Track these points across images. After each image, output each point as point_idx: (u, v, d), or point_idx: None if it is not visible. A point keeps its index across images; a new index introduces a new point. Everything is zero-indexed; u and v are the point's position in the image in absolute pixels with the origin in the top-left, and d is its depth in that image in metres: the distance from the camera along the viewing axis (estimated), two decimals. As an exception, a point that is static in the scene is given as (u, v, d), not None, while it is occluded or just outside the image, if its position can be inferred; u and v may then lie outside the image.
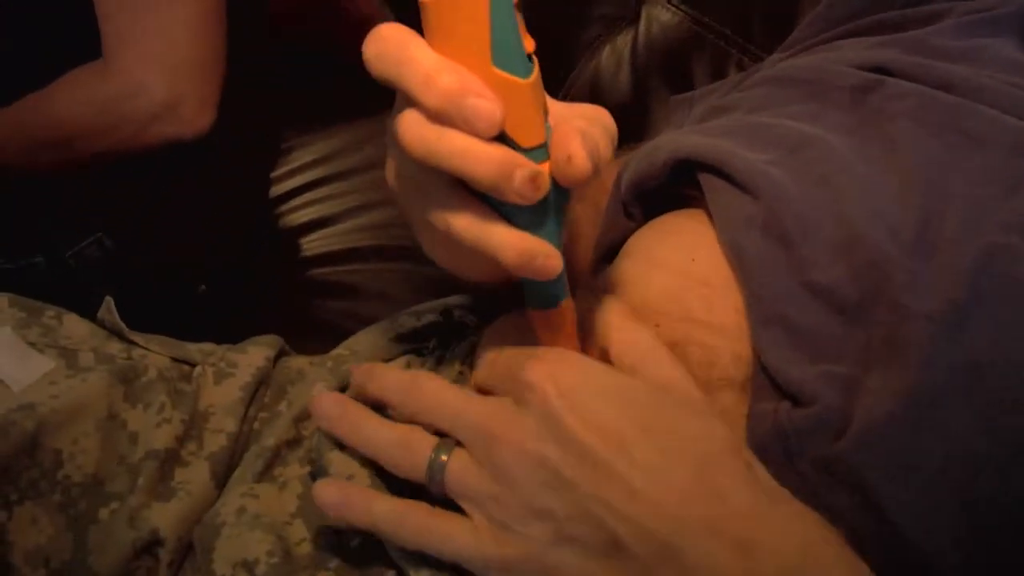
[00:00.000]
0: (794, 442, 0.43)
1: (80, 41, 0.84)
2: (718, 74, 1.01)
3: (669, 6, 1.08)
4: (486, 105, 0.36)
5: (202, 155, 0.87)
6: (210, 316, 0.94)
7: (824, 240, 0.48)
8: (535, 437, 0.41)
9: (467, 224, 0.40)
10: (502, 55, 0.39)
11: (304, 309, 0.99)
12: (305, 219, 1.14)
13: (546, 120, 0.43)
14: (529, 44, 0.41)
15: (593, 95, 1.11)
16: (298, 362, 0.65)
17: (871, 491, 0.41)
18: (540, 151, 0.42)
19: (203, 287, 0.97)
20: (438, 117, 0.37)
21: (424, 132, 0.38)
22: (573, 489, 0.40)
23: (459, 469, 0.43)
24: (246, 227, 1.03)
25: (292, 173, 1.20)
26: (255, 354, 0.62)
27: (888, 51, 0.61)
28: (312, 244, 1.10)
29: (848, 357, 0.45)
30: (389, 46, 0.38)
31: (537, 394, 0.41)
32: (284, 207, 1.17)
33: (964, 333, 0.42)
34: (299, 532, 0.48)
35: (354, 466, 0.47)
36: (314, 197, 1.19)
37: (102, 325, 0.61)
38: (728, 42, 1.02)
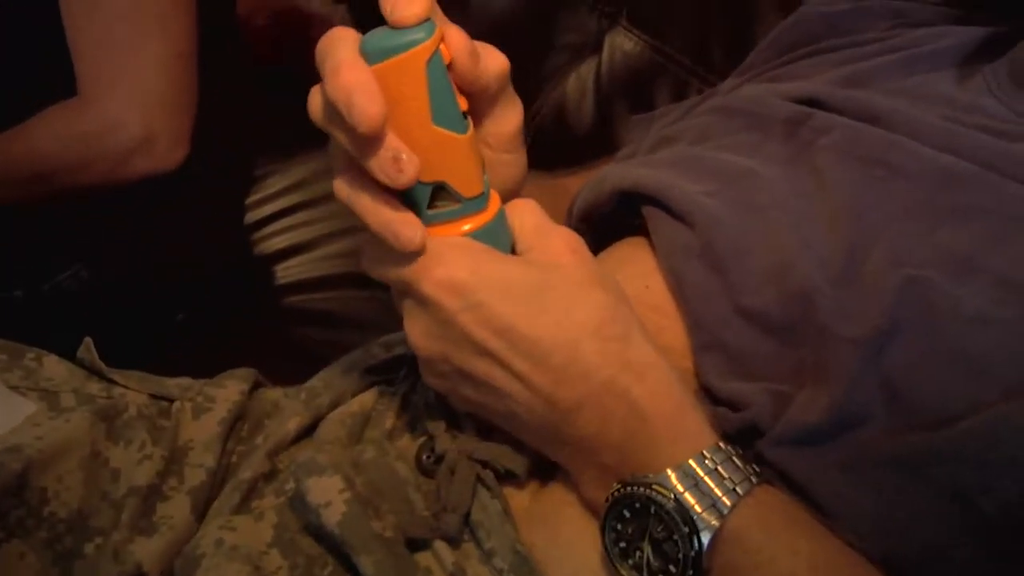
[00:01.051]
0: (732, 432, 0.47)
1: (54, 78, 0.86)
2: (679, 99, 1.04)
3: (631, 35, 1.12)
4: (362, 103, 0.42)
5: (176, 185, 0.90)
6: (188, 345, 0.96)
7: (755, 267, 0.51)
8: (432, 336, 0.48)
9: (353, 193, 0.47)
10: (440, 115, 0.45)
11: (280, 336, 1.02)
12: (280, 246, 1.16)
13: (484, 173, 0.47)
14: (463, 104, 0.47)
15: (559, 122, 1.14)
16: (273, 394, 0.68)
17: (794, 480, 0.45)
18: (479, 199, 0.47)
19: (180, 316, 0.99)
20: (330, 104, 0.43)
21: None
22: (471, 378, 0.48)
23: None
24: (222, 255, 1.05)
25: (266, 200, 1.22)
26: (231, 388, 0.64)
27: (822, 84, 0.64)
28: (287, 271, 1.12)
29: (782, 376, 0.48)
30: (324, 41, 0.44)
31: (431, 302, 0.47)
32: (258, 234, 1.19)
33: (884, 357, 0.46)
34: (275, 561, 0.51)
35: (332, 493, 0.50)
36: (288, 224, 1.21)
37: (82, 364, 0.64)
38: (687, 69, 1.05)
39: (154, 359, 0.72)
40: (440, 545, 0.49)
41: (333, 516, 0.49)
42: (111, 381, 0.63)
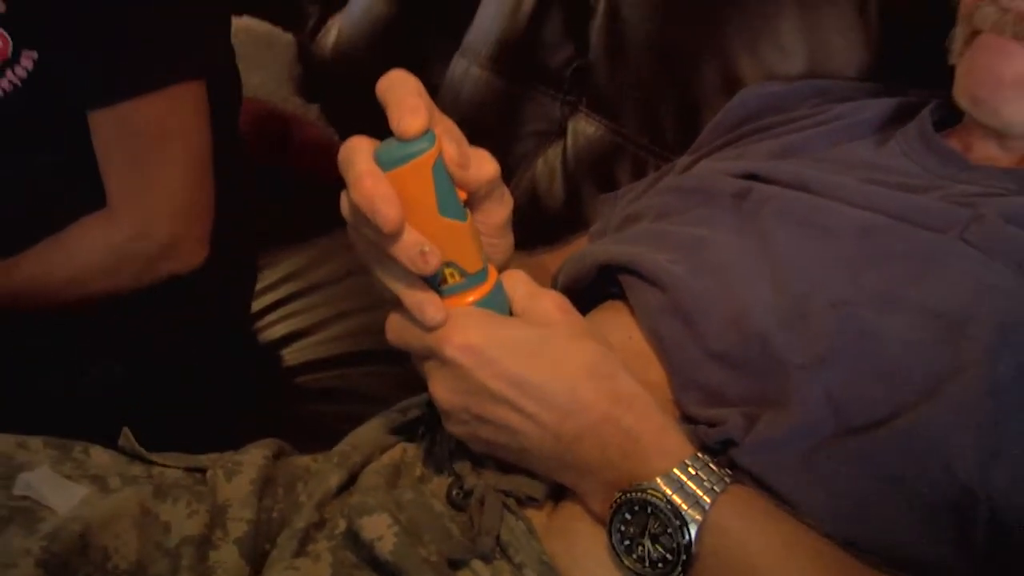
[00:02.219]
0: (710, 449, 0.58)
1: (84, 190, 0.96)
2: (638, 175, 1.14)
3: (591, 120, 1.23)
4: (384, 208, 0.52)
5: (195, 282, 0.99)
6: (211, 425, 1.04)
7: (717, 318, 0.62)
8: (455, 391, 0.58)
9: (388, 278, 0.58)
10: (445, 207, 0.56)
11: (292, 413, 1.10)
12: (282, 332, 1.25)
13: (482, 252, 0.57)
14: (463, 195, 0.57)
15: (531, 202, 1.25)
16: (302, 460, 0.77)
17: (762, 480, 0.56)
18: (481, 274, 0.57)
19: (200, 399, 1.07)
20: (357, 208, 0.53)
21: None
22: (490, 422, 0.58)
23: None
24: (235, 342, 1.15)
25: (263, 291, 1.32)
26: (256, 454, 0.73)
27: (760, 158, 0.77)
28: (292, 355, 1.21)
29: (748, 401, 0.59)
30: (344, 151, 0.54)
31: (452, 363, 0.57)
32: (261, 323, 1.29)
33: (827, 378, 0.57)
34: None
35: (382, 528, 0.59)
36: (287, 312, 1.31)
37: (122, 451, 0.73)
38: (644, 148, 1.15)
39: (179, 440, 0.80)
40: (477, 563, 0.58)
41: (386, 547, 0.58)
42: (150, 462, 0.72)
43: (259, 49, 1.85)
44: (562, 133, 1.28)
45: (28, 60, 0.92)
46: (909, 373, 0.56)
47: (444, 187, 0.55)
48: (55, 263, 0.96)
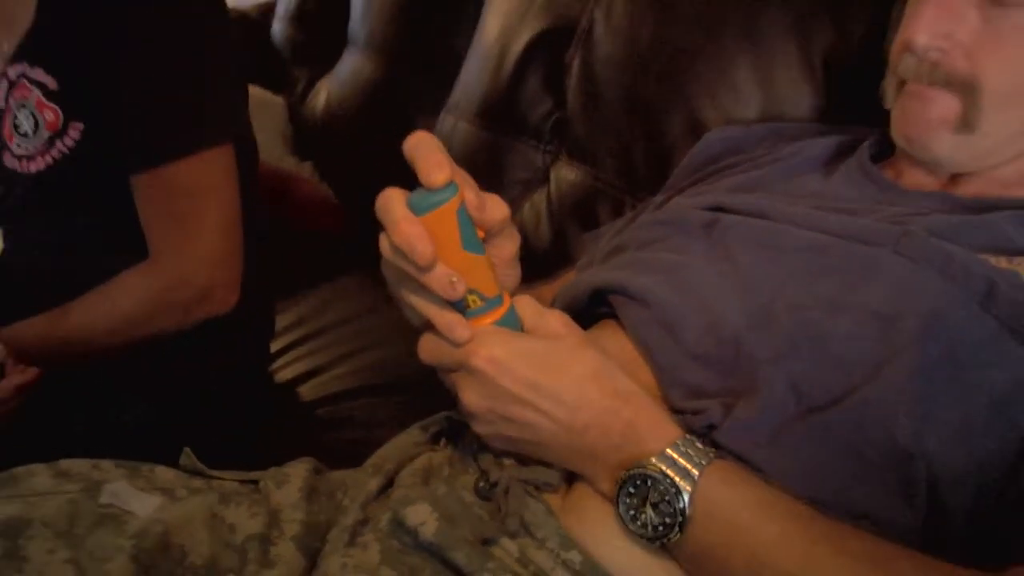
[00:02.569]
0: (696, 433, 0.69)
1: (118, 247, 1.07)
2: (617, 213, 1.24)
3: (572, 167, 1.33)
4: (420, 247, 0.63)
5: (224, 325, 1.09)
6: (236, 455, 1.14)
7: (696, 327, 0.74)
8: (482, 395, 0.69)
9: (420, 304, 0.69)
10: (467, 244, 0.67)
11: (314, 442, 1.19)
12: (297, 372, 1.36)
13: (498, 280, 0.70)
14: (481, 233, 0.69)
15: (522, 244, 1.34)
16: (337, 474, 0.87)
17: (740, 455, 0.67)
18: (497, 299, 0.69)
19: (230, 434, 1.17)
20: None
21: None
22: (512, 420, 0.69)
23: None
24: (259, 381, 1.25)
25: (277, 335, 1.42)
26: (299, 468, 0.84)
27: (724, 193, 0.89)
28: (308, 391, 1.32)
29: (725, 393, 0.70)
30: (381, 201, 0.65)
31: (479, 372, 0.68)
32: (278, 363, 1.39)
33: (789, 369, 0.69)
34: (387, 573, 0.69)
35: (424, 515, 0.70)
36: (301, 353, 1.41)
37: (184, 469, 0.83)
38: (621, 190, 1.25)
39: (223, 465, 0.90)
40: (505, 540, 0.69)
41: (429, 530, 0.69)
42: (209, 476, 0.83)
43: (254, 112, 1.97)
44: (545, 180, 1.37)
45: (75, 131, 1.04)
46: (854, 361, 0.67)
47: (466, 227, 0.66)
48: (101, 311, 1.05)
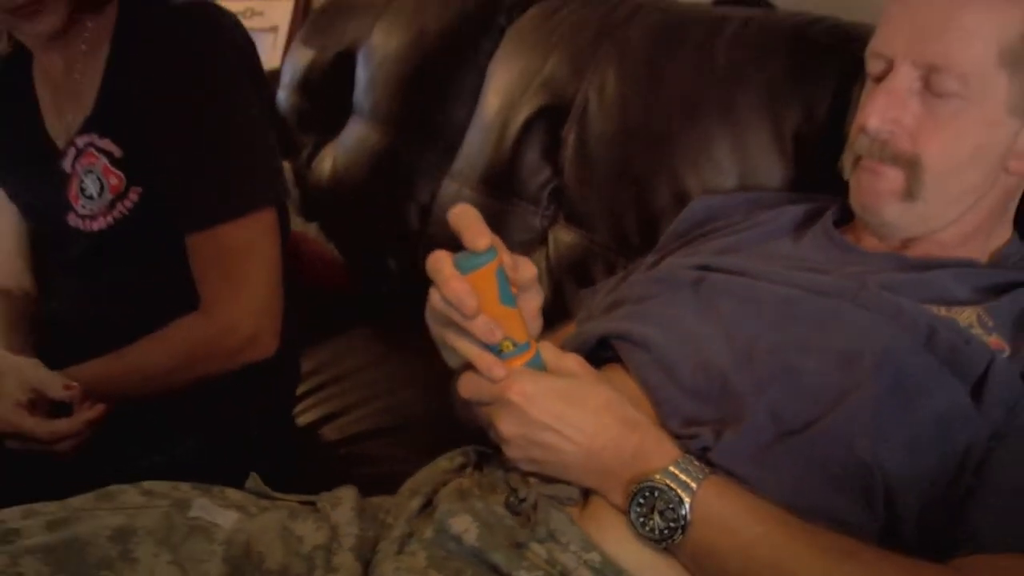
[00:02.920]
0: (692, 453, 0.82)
1: (168, 297, 1.17)
2: (610, 272, 1.34)
3: (568, 230, 1.45)
4: (467, 300, 0.77)
5: (260, 370, 1.20)
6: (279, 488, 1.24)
7: (689, 367, 0.88)
8: (516, 424, 0.81)
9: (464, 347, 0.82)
10: (504, 298, 0.80)
11: (339, 479, 1.31)
12: (321, 414, 1.47)
13: (527, 328, 0.83)
14: (514, 289, 0.81)
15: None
16: (378, 500, 0.99)
17: (730, 471, 0.80)
18: (526, 344, 0.83)
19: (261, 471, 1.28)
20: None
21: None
22: (540, 444, 0.81)
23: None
24: (286, 423, 1.37)
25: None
26: (348, 491, 0.97)
27: (708, 255, 1.03)
28: (330, 432, 1.43)
29: (715, 421, 0.84)
30: (432, 261, 0.78)
31: (513, 404, 0.81)
32: (299, 407, 1.51)
33: (767, 398, 0.83)
34: (434, 575, 0.81)
35: (467, 523, 0.82)
36: (320, 398, 1.53)
37: (250, 491, 0.96)
38: (613, 251, 1.37)
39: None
40: (535, 545, 0.81)
41: (471, 536, 0.82)
42: (273, 497, 0.95)
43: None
44: (544, 241, 1.49)
45: (135, 194, 1.16)
46: (821, 392, 0.82)
47: (503, 284, 0.79)
48: (155, 354, 1.16)
